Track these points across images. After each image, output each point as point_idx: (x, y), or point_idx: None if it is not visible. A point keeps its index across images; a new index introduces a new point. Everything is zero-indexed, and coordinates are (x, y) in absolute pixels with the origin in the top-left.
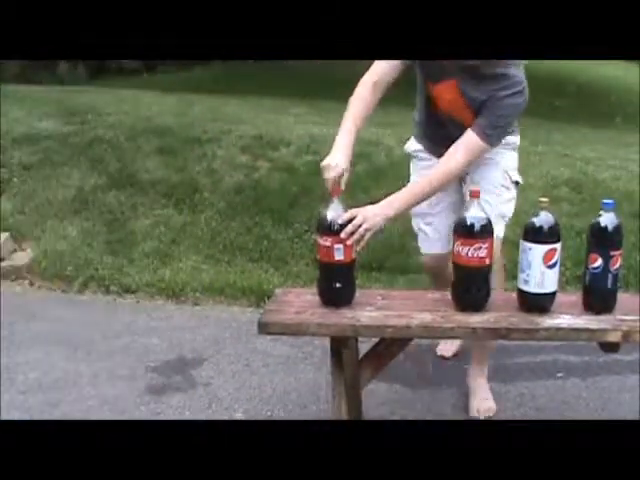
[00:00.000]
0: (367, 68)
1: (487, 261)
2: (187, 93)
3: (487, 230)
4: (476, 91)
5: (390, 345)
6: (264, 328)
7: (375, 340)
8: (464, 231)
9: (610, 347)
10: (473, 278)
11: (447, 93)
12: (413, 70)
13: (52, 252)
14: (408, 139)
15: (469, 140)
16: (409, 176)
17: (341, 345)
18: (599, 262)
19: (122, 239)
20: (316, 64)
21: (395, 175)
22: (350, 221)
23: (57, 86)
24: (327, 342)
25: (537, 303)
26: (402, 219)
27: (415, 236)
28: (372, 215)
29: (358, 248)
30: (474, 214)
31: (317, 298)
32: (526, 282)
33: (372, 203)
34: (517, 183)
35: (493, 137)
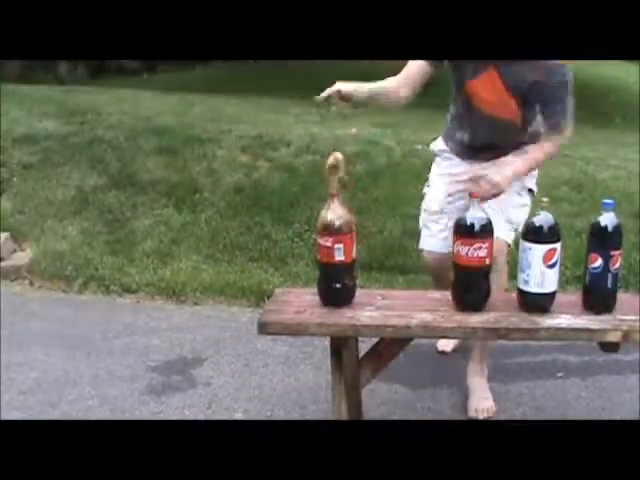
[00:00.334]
0: (367, 68)
1: (487, 261)
2: (187, 93)
3: (487, 230)
4: (517, 74)
5: (390, 345)
6: (264, 328)
7: (375, 340)
8: (464, 231)
9: (610, 347)
10: (473, 278)
11: (487, 86)
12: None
13: (52, 252)
14: (435, 139)
15: (552, 142)
16: (427, 175)
17: (341, 345)
18: (599, 262)
19: (122, 239)
20: (316, 64)
21: (395, 175)
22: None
23: (57, 86)
24: (327, 342)
25: (537, 303)
26: (402, 219)
27: (415, 236)
28: (502, 179)
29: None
30: (474, 214)
31: (317, 298)
32: (526, 282)
33: (372, 203)
34: (531, 191)
35: (568, 124)
